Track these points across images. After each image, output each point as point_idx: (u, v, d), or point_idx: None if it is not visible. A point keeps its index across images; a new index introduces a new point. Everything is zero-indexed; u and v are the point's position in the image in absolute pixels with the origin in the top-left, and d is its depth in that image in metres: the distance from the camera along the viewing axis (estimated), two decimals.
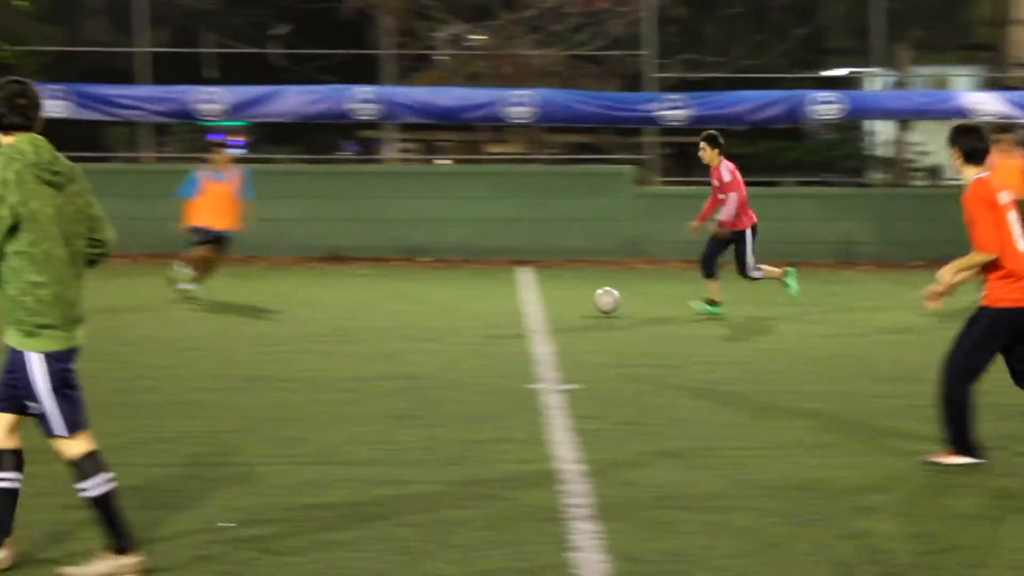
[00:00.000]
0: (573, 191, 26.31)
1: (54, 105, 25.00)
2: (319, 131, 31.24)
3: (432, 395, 11.82)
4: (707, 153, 17.19)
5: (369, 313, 17.81)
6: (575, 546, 7.36)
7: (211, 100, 26.13)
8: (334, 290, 20.73)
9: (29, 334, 6.74)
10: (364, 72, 27.45)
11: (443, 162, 35.46)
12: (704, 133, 17.41)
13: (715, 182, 17.18)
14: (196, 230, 18.73)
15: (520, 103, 26.24)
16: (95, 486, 6.84)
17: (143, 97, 26.30)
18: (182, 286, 18.66)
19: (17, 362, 6.78)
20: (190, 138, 30.69)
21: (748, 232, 17.12)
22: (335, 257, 25.53)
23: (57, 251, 6.75)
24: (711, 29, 34.78)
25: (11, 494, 6.96)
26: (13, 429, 6.94)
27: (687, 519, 7.88)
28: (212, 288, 19.00)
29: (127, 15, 27.60)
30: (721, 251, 17.34)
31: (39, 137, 6.89)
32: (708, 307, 17.32)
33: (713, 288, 17.37)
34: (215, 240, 18.70)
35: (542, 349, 14.43)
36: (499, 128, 30.87)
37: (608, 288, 17.36)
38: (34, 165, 6.76)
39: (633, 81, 27.88)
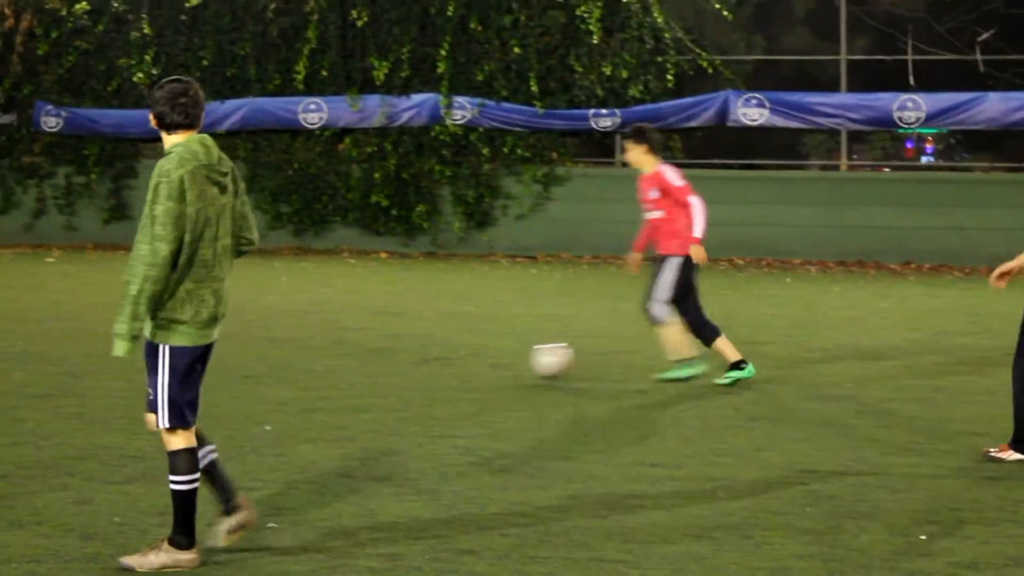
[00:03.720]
0: None
1: (752, 113, 27.15)
2: (1020, 138, 31.50)
3: None
4: (634, 153, 13.53)
5: None
6: None
7: (911, 107, 27.15)
8: None
9: (161, 327, 7.27)
10: None
11: None
12: (632, 126, 14.14)
13: (651, 193, 13.52)
14: None
15: None
16: (183, 483, 7.37)
17: (842, 105, 27.55)
18: None
19: (149, 351, 7.36)
20: (880, 146, 31.83)
21: (680, 261, 13.41)
22: None
23: (205, 251, 7.28)
24: None
25: (192, 494, 7.45)
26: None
27: None
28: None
29: (827, 23, 29.17)
30: (695, 294, 13.59)
31: (208, 137, 7.42)
32: (734, 373, 13.37)
33: (725, 346, 13.49)
34: None
35: None
36: None
37: (555, 345, 13.62)
38: (205, 166, 7.29)
39: None
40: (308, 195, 28.94)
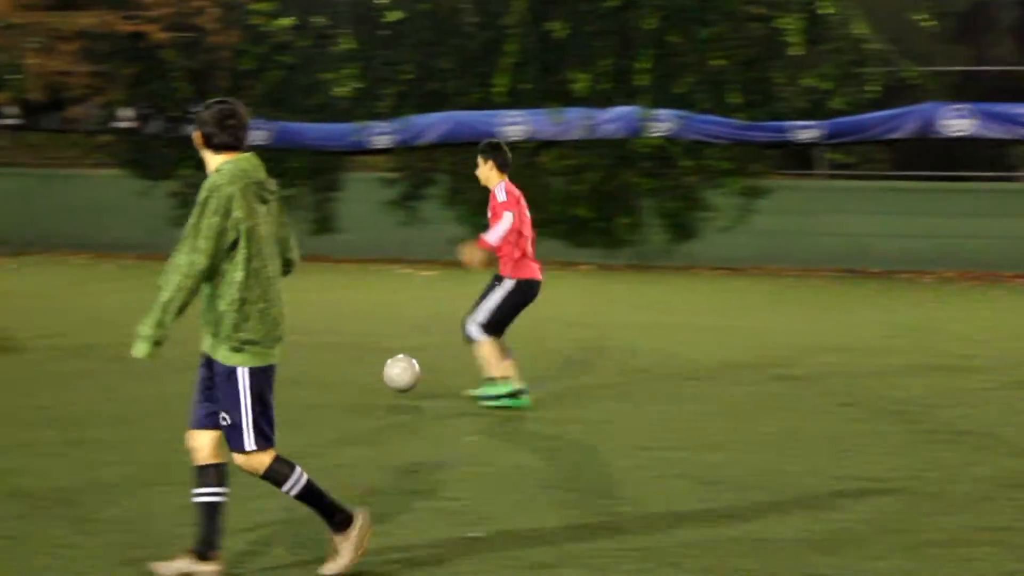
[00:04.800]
0: None
1: (959, 124, 26.74)
2: None
3: None
4: (482, 169, 13.20)
5: None
6: None
7: None
8: None
9: (235, 349, 7.29)
10: None
11: None
12: (484, 142, 13.53)
13: (489, 211, 13.35)
14: None
15: None
16: (293, 485, 7.46)
17: None
18: None
19: (220, 375, 7.35)
20: None
21: (512, 284, 13.07)
22: None
23: (267, 269, 7.36)
24: None
25: (218, 508, 7.44)
26: (219, 444, 7.47)
27: None
28: None
29: None
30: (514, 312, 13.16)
31: (254, 156, 7.52)
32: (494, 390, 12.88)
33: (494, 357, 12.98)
34: None
35: None
36: None
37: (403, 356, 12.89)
38: (256, 184, 7.39)
39: None
40: None
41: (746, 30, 28.30)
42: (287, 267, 7.70)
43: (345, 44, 29.93)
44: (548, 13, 28.98)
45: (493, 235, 12.98)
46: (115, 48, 30.31)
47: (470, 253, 13.18)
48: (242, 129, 7.49)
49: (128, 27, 29.50)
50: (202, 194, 7.31)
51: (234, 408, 7.34)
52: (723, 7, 28.47)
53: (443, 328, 17.73)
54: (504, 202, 13.01)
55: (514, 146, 28.83)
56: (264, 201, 7.43)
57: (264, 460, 7.43)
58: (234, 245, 7.24)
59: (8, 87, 30.33)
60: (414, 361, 12.68)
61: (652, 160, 28.57)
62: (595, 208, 28.66)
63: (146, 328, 7.19)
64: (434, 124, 29.21)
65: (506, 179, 13.11)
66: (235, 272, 7.26)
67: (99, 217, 30.37)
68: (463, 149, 29.15)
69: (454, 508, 8.97)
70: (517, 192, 13.16)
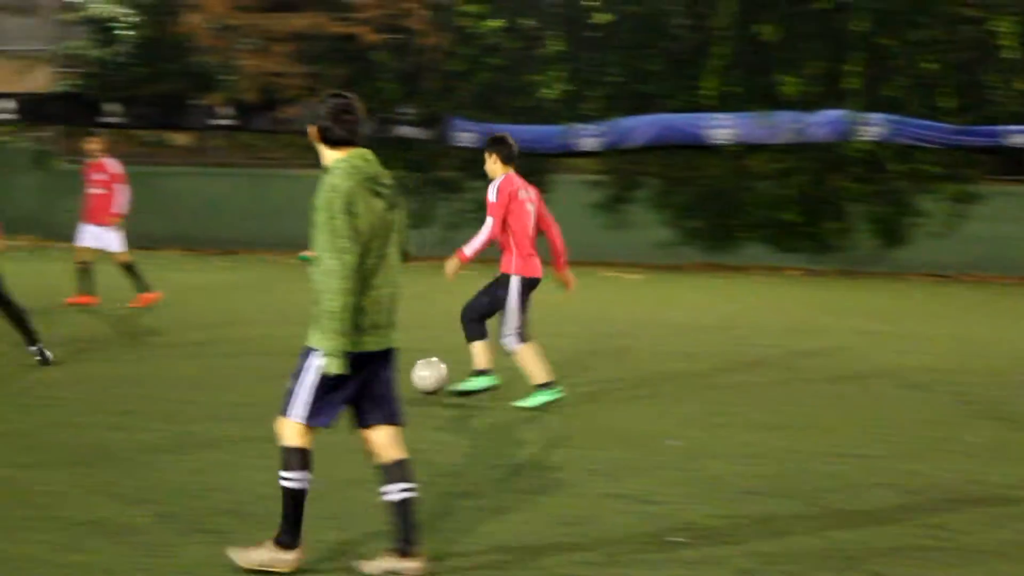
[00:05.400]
0: None
1: None
2: None
3: None
4: (487, 163, 13.03)
5: None
6: None
7: None
8: None
9: (321, 332, 7.35)
10: None
11: None
12: (491, 136, 13.56)
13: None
14: None
15: None
16: (290, 480, 7.43)
17: None
18: None
19: (302, 353, 7.48)
20: None
21: (516, 280, 12.90)
22: None
23: (369, 262, 7.41)
24: None
25: (409, 503, 7.52)
26: (392, 441, 7.59)
27: None
28: None
29: None
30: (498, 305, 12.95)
31: (368, 151, 7.61)
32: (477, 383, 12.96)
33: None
34: None
35: None
36: None
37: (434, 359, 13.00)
38: (370, 179, 7.51)
39: None
40: (717, 211, 29.03)
41: (959, 32, 27.87)
42: (402, 258, 7.75)
43: (554, 46, 30.07)
44: (757, 16, 28.81)
45: (469, 248, 12.82)
46: (326, 49, 30.81)
47: (449, 266, 12.97)
48: (357, 124, 7.57)
49: (340, 29, 29.99)
50: (323, 196, 7.42)
51: (296, 377, 7.47)
52: (935, 9, 28.07)
53: (648, 332, 17.75)
54: (493, 203, 12.83)
55: (721, 149, 28.91)
56: (378, 195, 7.52)
57: (291, 437, 7.49)
58: None
59: (223, 88, 31.01)
60: (443, 366, 12.82)
61: (862, 165, 28.28)
62: (803, 212, 28.43)
63: (330, 343, 7.30)
64: (641, 127, 29.21)
65: (511, 172, 12.97)
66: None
67: (309, 217, 30.85)
68: (671, 152, 29.13)
69: (656, 512, 8.98)
70: (518, 186, 12.96)
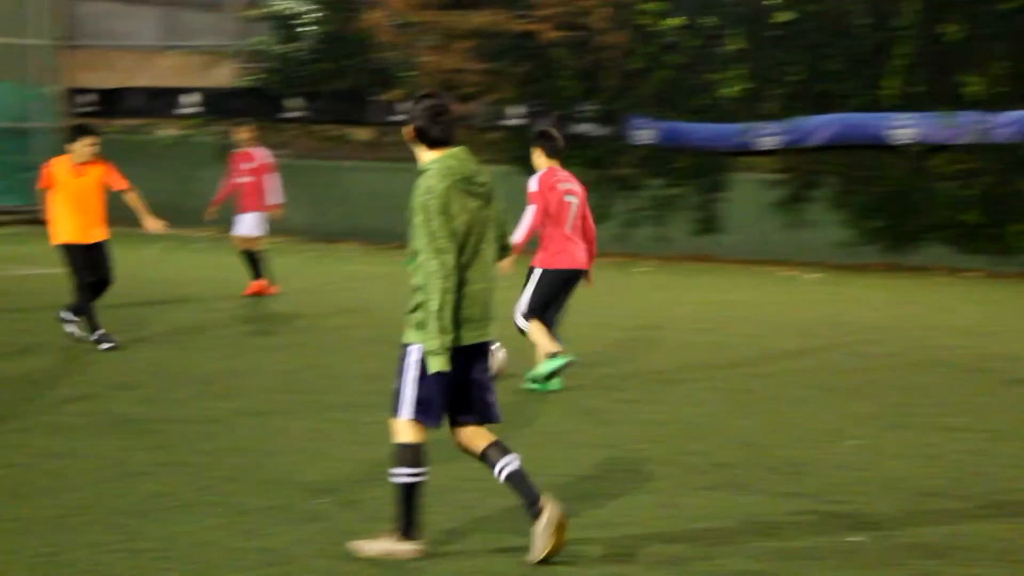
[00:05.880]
0: None
1: None
2: None
3: None
4: (533, 156, 13.61)
5: None
6: None
7: None
8: None
9: (416, 327, 7.54)
10: None
11: None
12: (537, 129, 14.24)
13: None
14: None
15: None
16: (405, 476, 7.59)
17: None
18: None
19: (401, 349, 7.64)
20: None
21: (538, 272, 13.32)
22: None
23: (463, 258, 7.52)
24: None
25: (522, 473, 7.66)
26: (478, 433, 7.76)
27: None
28: None
29: None
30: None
31: (462, 151, 7.71)
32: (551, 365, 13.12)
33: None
34: None
35: None
36: None
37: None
38: (463, 179, 7.59)
39: None
40: (897, 211, 28.68)
41: None
42: (506, 251, 7.90)
43: (734, 44, 29.91)
44: (941, 15, 28.40)
45: (518, 235, 13.04)
46: (506, 47, 30.99)
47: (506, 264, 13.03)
48: (452, 124, 7.70)
49: (519, 26, 30.15)
50: (419, 198, 7.55)
51: (399, 377, 7.63)
52: None
53: (825, 331, 17.63)
54: (533, 193, 13.31)
55: (902, 149, 28.56)
56: (473, 195, 7.61)
57: (404, 434, 7.64)
58: None
59: (402, 84, 31.32)
60: (502, 351, 13.21)
61: None
62: (986, 214, 27.98)
63: (433, 342, 7.44)
64: (822, 126, 28.97)
65: (554, 165, 13.40)
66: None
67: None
68: (851, 152, 28.85)
69: (836, 511, 8.94)
70: (559, 179, 13.33)
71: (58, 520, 8.23)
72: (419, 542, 7.68)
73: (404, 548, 7.64)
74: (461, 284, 7.53)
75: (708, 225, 30.13)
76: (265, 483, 9.27)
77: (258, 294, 20.12)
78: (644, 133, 30.14)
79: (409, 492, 7.64)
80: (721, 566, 7.70)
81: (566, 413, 12.20)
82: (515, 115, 31.21)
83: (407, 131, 7.76)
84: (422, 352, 7.52)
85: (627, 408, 12.49)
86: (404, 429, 7.65)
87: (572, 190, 13.39)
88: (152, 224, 15.44)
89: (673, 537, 8.22)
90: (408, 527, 7.66)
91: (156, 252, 26.63)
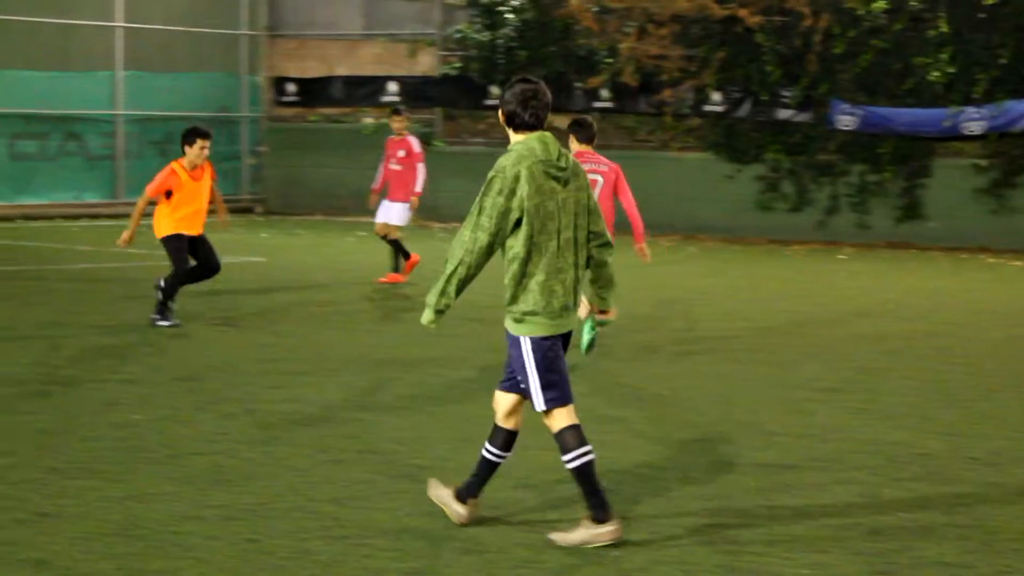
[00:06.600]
0: None
1: None
2: None
3: None
4: (571, 143, 14.20)
5: None
6: None
7: None
8: None
9: (518, 321, 7.67)
10: None
11: None
12: (573, 118, 14.92)
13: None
14: None
15: None
16: (574, 458, 7.64)
17: None
18: None
19: (510, 342, 7.76)
20: None
21: None
22: None
23: (551, 244, 7.62)
24: None
25: (492, 466, 7.99)
26: (513, 411, 7.91)
27: None
28: None
29: None
30: None
31: (548, 135, 7.76)
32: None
33: None
34: None
35: None
36: None
37: None
38: (543, 162, 7.63)
39: None
40: None
41: None
42: (596, 239, 7.85)
43: (940, 27, 29.39)
44: None
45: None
46: (707, 32, 30.84)
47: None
48: (543, 109, 7.77)
49: (722, 12, 29.99)
50: (490, 174, 7.66)
51: (522, 373, 7.76)
52: None
53: None
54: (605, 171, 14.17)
55: None
56: (554, 178, 7.66)
57: (554, 422, 7.76)
58: (518, 223, 7.61)
59: (604, 70, 31.34)
60: None
61: None
62: None
63: (432, 297, 7.70)
64: None
65: (584, 149, 14.09)
66: (517, 248, 7.64)
67: (686, 199, 30.94)
68: None
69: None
70: (586, 159, 13.83)
71: (259, 507, 8.41)
72: (613, 524, 7.66)
73: (601, 532, 7.64)
74: (557, 271, 7.64)
75: (910, 212, 29.68)
76: (463, 472, 9.36)
77: (390, 281, 20.20)
78: (845, 118, 29.77)
79: (582, 473, 7.70)
80: (922, 557, 7.66)
81: (762, 401, 12.15)
82: (715, 101, 31.04)
83: (500, 115, 7.88)
84: (528, 344, 7.67)
85: (827, 396, 12.42)
86: (552, 418, 7.77)
87: (595, 169, 14.00)
88: (226, 219, 16.79)
89: (874, 528, 8.20)
90: (596, 509, 7.67)
91: (352, 241, 26.95)
